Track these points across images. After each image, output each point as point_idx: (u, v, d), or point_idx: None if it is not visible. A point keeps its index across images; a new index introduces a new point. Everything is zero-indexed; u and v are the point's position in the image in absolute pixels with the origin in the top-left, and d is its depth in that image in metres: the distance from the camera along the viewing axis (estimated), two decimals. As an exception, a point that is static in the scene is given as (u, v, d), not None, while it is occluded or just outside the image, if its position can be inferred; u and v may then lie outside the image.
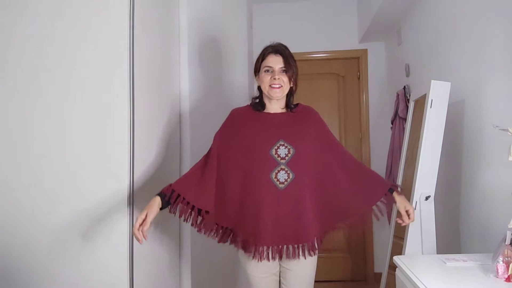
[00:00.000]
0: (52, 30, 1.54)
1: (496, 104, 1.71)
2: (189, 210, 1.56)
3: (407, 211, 1.60)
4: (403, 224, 1.64)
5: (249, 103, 1.72)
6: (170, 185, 1.55)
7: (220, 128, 1.69)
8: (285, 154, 1.56)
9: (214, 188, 1.60)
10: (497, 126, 1.42)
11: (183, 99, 2.16)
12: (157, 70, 1.85)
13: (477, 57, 1.86)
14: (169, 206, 1.54)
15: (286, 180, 1.54)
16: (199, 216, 1.59)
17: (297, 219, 1.54)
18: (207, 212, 1.58)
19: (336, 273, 3.62)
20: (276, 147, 1.56)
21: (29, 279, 1.50)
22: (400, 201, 1.61)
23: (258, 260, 1.52)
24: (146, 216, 1.46)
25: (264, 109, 1.67)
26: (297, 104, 1.70)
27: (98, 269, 1.50)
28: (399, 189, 1.65)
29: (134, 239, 1.54)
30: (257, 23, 3.69)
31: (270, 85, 1.59)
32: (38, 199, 1.51)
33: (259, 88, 1.68)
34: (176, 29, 2.15)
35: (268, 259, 1.52)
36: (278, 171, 1.54)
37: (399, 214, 1.63)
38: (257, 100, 1.69)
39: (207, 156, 1.64)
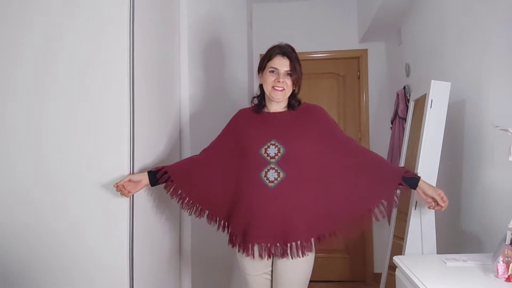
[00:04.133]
0: (51, 31, 1.53)
1: (496, 104, 1.71)
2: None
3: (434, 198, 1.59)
4: (442, 209, 1.61)
5: (253, 104, 1.74)
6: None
7: (225, 126, 1.75)
8: (275, 153, 1.57)
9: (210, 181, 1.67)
10: (497, 126, 1.42)
11: (183, 99, 2.16)
12: (157, 70, 1.85)
13: (477, 57, 1.86)
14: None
15: (276, 179, 1.55)
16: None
17: (286, 218, 1.54)
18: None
19: (335, 273, 3.61)
20: (266, 147, 1.58)
21: (31, 277, 1.50)
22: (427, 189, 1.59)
23: (246, 256, 1.57)
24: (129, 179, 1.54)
25: (263, 109, 1.69)
26: (300, 103, 1.71)
27: (98, 269, 1.49)
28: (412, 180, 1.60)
29: (135, 240, 1.54)
30: (257, 23, 3.69)
31: (273, 87, 1.60)
32: (39, 198, 1.51)
33: (260, 86, 1.68)
34: (176, 29, 2.14)
35: (253, 256, 1.56)
36: (268, 170, 1.56)
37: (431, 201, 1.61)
38: (257, 100, 1.71)
39: (210, 150, 1.73)
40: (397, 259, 1.50)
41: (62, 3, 1.54)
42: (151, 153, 1.76)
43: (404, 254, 1.86)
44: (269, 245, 1.55)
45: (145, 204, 1.67)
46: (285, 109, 1.68)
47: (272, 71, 1.61)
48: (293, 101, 1.69)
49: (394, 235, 2.25)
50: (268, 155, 1.57)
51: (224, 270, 2.44)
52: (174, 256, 2.02)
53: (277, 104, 1.66)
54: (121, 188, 1.51)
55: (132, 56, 1.55)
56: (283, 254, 1.54)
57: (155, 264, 1.77)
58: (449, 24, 2.18)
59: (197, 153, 2.18)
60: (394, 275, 1.51)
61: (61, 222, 1.51)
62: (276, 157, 1.56)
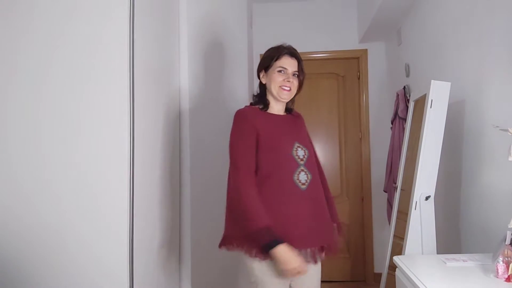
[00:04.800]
0: (52, 28, 1.54)
1: (496, 104, 1.71)
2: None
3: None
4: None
5: (249, 104, 1.70)
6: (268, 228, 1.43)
7: (237, 132, 1.57)
8: (303, 155, 1.57)
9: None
10: (497, 126, 1.42)
11: (183, 98, 2.16)
12: (157, 69, 1.85)
13: (477, 57, 1.86)
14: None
15: (306, 181, 1.54)
16: None
17: (319, 220, 1.55)
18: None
19: (336, 273, 3.62)
20: (295, 149, 1.56)
21: (29, 275, 1.50)
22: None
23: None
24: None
25: (267, 109, 1.64)
26: (292, 109, 1.72)
27: (98, 269, 1.49)
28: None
29: (135, 239, 1.54)
30: (257, 23, 3.70)
31: (280, 86, 1.58)
32: (41, 197, 1.51)
33: (262, 85, 1.65)
34: (176, 29, 2.15)
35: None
36: (299, 172, 1.54)
37: None
38: (258, 98, 1.66)
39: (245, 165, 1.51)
40: (397, 259, 1.50)
41: (63, 2, 1.54)
42: (150, 153, 1.76)
43: (404, 254, 1.86)
44: (310, 249, 1.51)
45: (145, 203, 1.67)
46: (284, 112, 1.67)
47: (280, 71, 1.59)
48: (291, 104, 1.70)
49: (394, 235, 2.25)
50: (298, 157, 1.56)
51: (224, 270, 2.44)
52: (174, 255, 2.02)
53: (281, 105, 1.65)
54: (300, 271, 1.42)
55: (132, 56, 1.55)
56: (321, 256, 1.54)
57: (155, 264, 1.77)
58: (449, 24, 2.18)
59: (196, 152, 2.19)
60: (394, 275, 1.51)
61: (60, 221, 1.50)
62: (304, 159, 1.56)
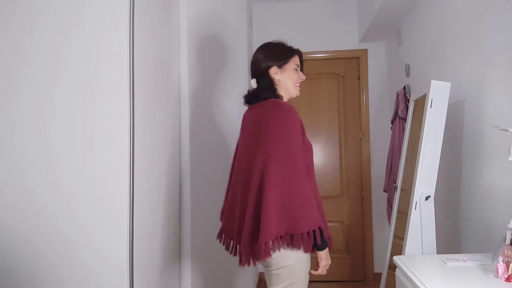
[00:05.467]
0: (52, 29, 1.54)
1: (496, 104, 1.71)
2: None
3: None
4: None
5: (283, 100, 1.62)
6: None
7: (294, 127, 1.50)
8: None
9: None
10: (497, 126, 1.42)
11: (183, 98, 2.16)
12: (157, 69, 1.85)
13: (477, 57, 1.86)
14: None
15: None
16: None
17: None
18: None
19: (336, 273, 3.62)
20: None
21: (34, 273, 1.50)
22: None
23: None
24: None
25: None
26: None
27: (99, 269, 1.50)
28: None
29: (135, 239, 1.54)
30: (257, 23, 3.70)
31: (296, 84, 1.63)
32: (45, 197, 1.51)
33: (270, 81, 1.60)
34: (176, 29, 2.15)
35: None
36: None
37: None
38: (267, 94, 1.60)
39: (298, 166, 1.45)
40: (397, 259, 1.50)
41: (63, 3, 1.54)
42: (150, 153, 1.76)
43: (404, 254, 1.86)
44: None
45: (145, 203, 1.67)
46: None
47: (296, 69, 1.63)
48: None
49: (394, 235, 2.25)
50: None
51: (224, 269, 2.44)
52: (174, 255, 2.02)
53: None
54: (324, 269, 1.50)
55: (132, 55, 1.55)
56: None
57: (155, 264, 1.78)
58: (449, 24, 2.18)
59: (196, 152, 2.19)
60: (394, 275, 1.51)
61: (63, 219, 1.51)
62: None
